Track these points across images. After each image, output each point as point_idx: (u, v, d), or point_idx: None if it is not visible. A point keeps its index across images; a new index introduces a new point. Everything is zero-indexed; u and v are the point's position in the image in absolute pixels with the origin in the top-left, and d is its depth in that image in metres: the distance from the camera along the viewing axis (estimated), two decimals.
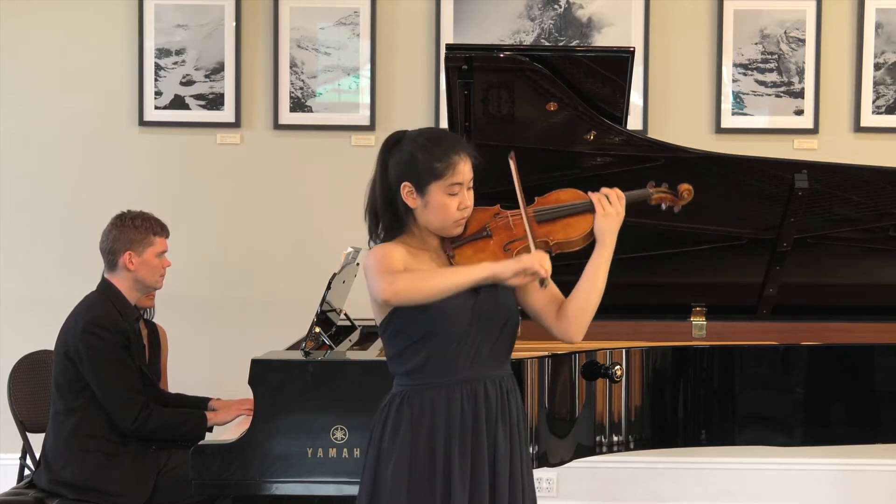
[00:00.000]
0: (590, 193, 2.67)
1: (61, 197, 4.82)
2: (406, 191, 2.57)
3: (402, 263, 2.55)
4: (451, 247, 2.62)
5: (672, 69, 4.75)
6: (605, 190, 2.67)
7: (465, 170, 2.58)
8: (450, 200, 2.56)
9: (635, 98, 4.64)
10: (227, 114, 4.76)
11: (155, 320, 3.89)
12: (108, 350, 3.45)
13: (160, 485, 3.47)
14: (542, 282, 2.53)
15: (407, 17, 4.76)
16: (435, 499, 2.54)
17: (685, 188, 2.84)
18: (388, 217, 2.61)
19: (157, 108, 4.77)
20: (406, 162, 2.57)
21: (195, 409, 3.67)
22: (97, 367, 3.44)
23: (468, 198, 2.60)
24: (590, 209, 2.64)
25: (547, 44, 4.68)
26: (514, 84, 3.25)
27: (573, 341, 2.72)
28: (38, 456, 3.64)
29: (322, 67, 4.75)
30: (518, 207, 2.64)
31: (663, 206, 2.85)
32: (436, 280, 2.49)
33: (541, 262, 2.49)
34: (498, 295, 2.62)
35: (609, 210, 2.63)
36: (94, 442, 3.47)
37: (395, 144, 2.61)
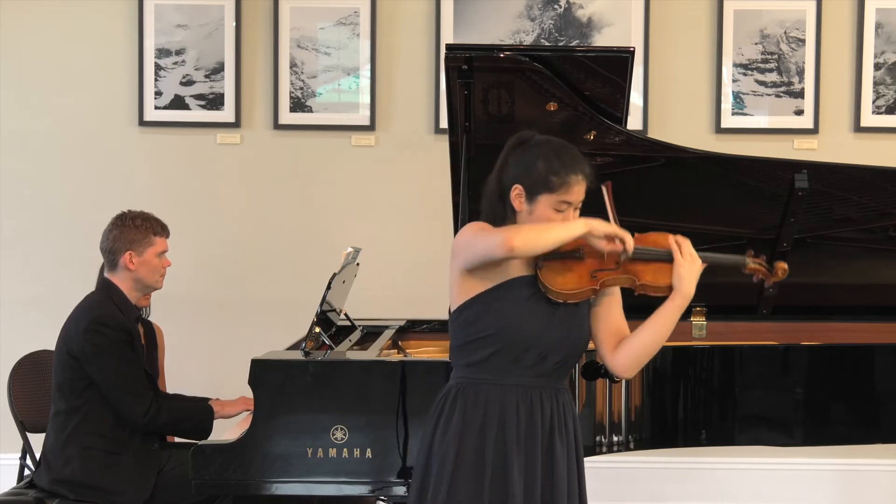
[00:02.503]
0: (669, 240, 2.63)
1: (61, 197, 4.81)
2: (516, 192, 2.58)
3: None
4: (542, 258, 2.58)
5: (672, 69, 4.75)
6: (677, 237, 2.64)
7: (578, 190, 2.56)
8: (555, 216, 2.56)
9: (635, 98, 4.64)
10: (227, 114, 4.76)
11: (155, 320, 3.88)
12: (113, 347, 3.45)
13: (160, 484, 3.46)
14: (624, 254, 2.51)
15: (407, 17, 4.76)
16: (483, 496, 2.52)
17: (781, 267, 2.81)
18: (494, 211, 2.62)
19: (157, 108, 4.77)
20: (525, 165, 2.57)
21: (202, 403, 3.67)
22: (103, 363, 3.44)
23: (573, 218, 2.57)
24: (672, 258, 2.61)
25: (547, 44, 4.68)
26: (514, 84, 3.25)
27: (623, 377, 2.74)
28: (38, 456, 3.63)
29: (322, 67, 4.75)
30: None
31: (755, 279, 2.83)
32: (551, 232, 2.48)
33: (630, 240, 2.50)
34: (576, 312, 2.62)
35: (686, 257, 2.59)
36: (96, 441, 3.46)
37: (521, 144, 2.61)
